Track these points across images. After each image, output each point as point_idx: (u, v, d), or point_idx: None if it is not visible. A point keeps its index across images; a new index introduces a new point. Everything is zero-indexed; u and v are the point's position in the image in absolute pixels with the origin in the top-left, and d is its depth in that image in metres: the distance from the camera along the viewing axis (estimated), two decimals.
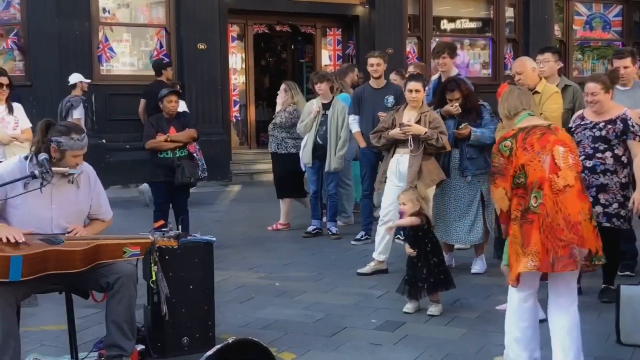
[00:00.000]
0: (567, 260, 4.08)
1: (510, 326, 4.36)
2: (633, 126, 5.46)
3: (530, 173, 4.21)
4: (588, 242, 4.17)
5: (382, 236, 6.66)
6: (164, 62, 11.10)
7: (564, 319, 4.23)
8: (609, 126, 5.52)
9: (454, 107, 6.62)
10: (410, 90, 6.61)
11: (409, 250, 5.59)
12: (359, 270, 6.78)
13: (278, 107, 9.13)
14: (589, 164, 5.51)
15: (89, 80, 10.79)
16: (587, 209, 4.26)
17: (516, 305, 4.34)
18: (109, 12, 12.68)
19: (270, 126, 9.09)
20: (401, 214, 5.68)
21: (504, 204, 4.32)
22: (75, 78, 10.73)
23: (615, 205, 5.54)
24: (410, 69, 8.77)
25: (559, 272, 4.13)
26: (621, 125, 5.48)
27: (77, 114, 10.35)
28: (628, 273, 6.35)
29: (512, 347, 4.34)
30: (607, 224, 5.47)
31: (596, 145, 5.54)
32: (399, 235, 6.44)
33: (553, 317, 4.29)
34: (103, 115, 12.14)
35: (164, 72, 10.53)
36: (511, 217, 4.30)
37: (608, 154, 5.52)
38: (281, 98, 9.03)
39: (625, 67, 6.43)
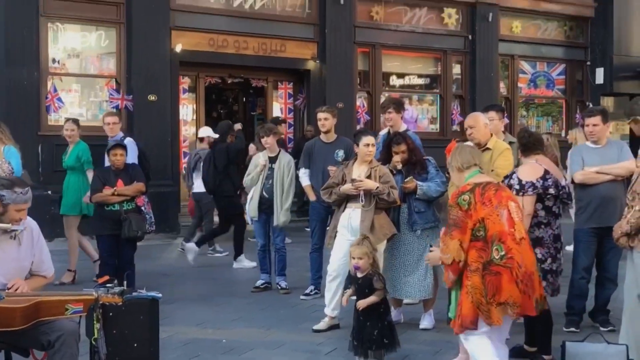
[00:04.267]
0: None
1: None
2: (513, 179, 5.69)
3: (490, 227, 4.47)
4: (536, 291, 4.58)
5: (334, 292, 6.62)
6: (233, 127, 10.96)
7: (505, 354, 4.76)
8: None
9: (395, 161, 6.69)
10: (367, 145, 6.67)
11: (360, 303, 5.54)
12: (314, 327, 6.70)
13: None
14: None
15: (217, 135, 10.87)
16: (534, 260, 4.69)
17: (478, 347, 4.58)
18: (58, 62, 12.58)
19: None
20: (356, 269, 5.66)
21: (460, 255, 4.50)
22: (204, 132, 11.52)
23: (549, 260, 5.68)
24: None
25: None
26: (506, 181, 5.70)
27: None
28: (573, 329, 6.42)
29: None
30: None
31: None
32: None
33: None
34: (49, 166, 11.93)
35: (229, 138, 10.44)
36: (471, 269, 4.48)
37: (539, 205, 5.67)
38: None
39: (595, 125, 6.54)
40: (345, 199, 6.70)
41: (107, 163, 8.09)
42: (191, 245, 9.87)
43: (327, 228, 7.21)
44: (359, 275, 5.65)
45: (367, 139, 6.70)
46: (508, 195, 4.68)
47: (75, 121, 9.05)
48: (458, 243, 4.48)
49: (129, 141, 8.30)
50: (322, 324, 6.73)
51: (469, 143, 6.01)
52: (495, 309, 4.42)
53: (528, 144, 5.86)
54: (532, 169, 5.72)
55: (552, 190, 5.63)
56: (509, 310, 4.43)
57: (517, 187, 5.59)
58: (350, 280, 5.80)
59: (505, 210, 4.51)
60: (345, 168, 6.81)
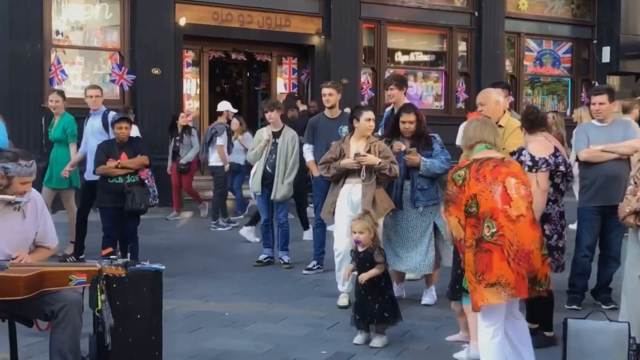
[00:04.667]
0: None
1: None
2: (525, 155, 5.57)
3: (482, 203, 4.36)
4: (537, 270, 4.42)
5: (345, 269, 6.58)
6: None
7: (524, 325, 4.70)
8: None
9: (397, 146, 6.65)
10: (368, 119, 6.65)
11: (362, 276, 5.55)
12: (339, 304, 6.63)
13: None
14: None
15: (236, 110, 11.19)
16: (538, 237, 4.47)
17: (486, 344, 4.46)
18: (62, 34, 12.54)
19: None
20: (357, 243, 5.67)
21: (459, 232, 4.46)
22: (223, 106, 11.63)
23: (556, 237, 5.64)
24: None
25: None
26: (515, 157, 5.56)
27: (220, 141, 11.10)
28: (575, 307, 6.44)
29: None
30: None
31: None
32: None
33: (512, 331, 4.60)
34: None
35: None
36: (466, 246, 4.42)
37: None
38: None
39: (602, 104, 6.51)
40: (344, 174, 6.68)
41: (88, 137, 8.09)
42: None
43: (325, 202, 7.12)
44: (360, 249, 5.66)
45: (368, 114, 6.69)
46: (509, 171, 4.50)
47: (60, 92, 8.92)
48: (456, 220, 4.47)
49: (112, 114, 8.21)
50: (344, 300, 6.68)
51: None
52: (486, 290, 4.30)
53: (535, 121, 5.78)
54: (542, 145, 5.63)
55: (562, 167, 5.60)
56: (502, 292, 4.28)
57: (530, 163, 5.46)
58: (352, 254, 5.81)
59: (500, 187, 4.39)
60: (343, 143, 6.78)
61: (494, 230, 4.31)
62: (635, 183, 4.96)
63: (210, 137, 11.28)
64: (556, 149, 5.66)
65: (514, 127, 6.33)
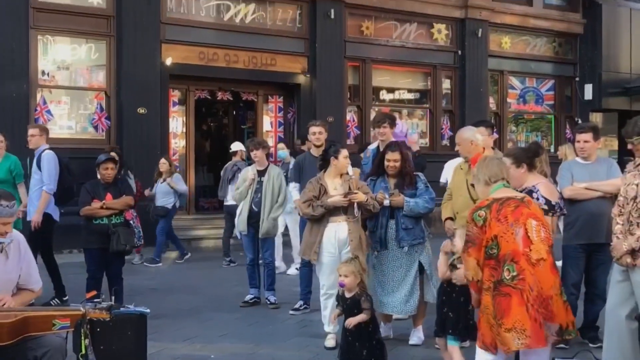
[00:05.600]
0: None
1: None
2: (538, 199, 5.38)
3: (503, 245, 4.26)
4: (558, 316, 4.26)
5: (331, 310, 6.50)
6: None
7: None
8: None
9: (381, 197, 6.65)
10: (346, 157, 6.75)
11: (350, 321, 5.52)
12: (326, 345, 6.59)
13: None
14: None
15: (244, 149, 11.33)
16: (558, 283, 4.35)
17: None
18: (48, 74, 12.57)
19: None
20: (342, 286, 5.65)
21: (477, 274, 4.35)
22: (236, 146, 12.08)
23: None
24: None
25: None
26: None
27: None
28: (563, 346, 6.40)
29: None
30: None
31: None
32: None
33: None
34: None
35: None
36: (484, 288, 4.33)
37: None
38: None
39: (586, 141, 6.55)
40: (327, 213, 6.67)
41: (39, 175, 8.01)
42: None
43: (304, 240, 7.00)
44: (347, 295, 5.63)
45: (345, 151, 6.82)
46: (530, 212, 4.38)
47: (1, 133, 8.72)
48: (475, 261, 4.35)
49: (46, 154, 8.15)
50: (331, 341, 6.62)
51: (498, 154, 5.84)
52: (504, 334, 4.17)
53: (534, 158, 5.70)
54: (551, 189, 5.56)
55: (565, 211, 5.60)
56: (516, 339, 4.13)
57: (546, 207, 5.34)
58: (339, 299, 5.78)
59: (522, 229, 4.28)
60: (320, 180, 6.80)
61: (515, 273, 4.20)
62: (630, 222, 4.90)
63: (233, 174, 11.19)
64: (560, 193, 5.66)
65: None
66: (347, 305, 5.61)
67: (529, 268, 4.20)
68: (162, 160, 11.84)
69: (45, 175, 8.02)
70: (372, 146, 8.19)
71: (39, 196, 8.03)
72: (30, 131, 8.46)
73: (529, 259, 4.23)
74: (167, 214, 11.60)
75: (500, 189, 4.54)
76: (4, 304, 4.21)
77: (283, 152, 11.51)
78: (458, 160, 7.30)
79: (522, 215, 4.33)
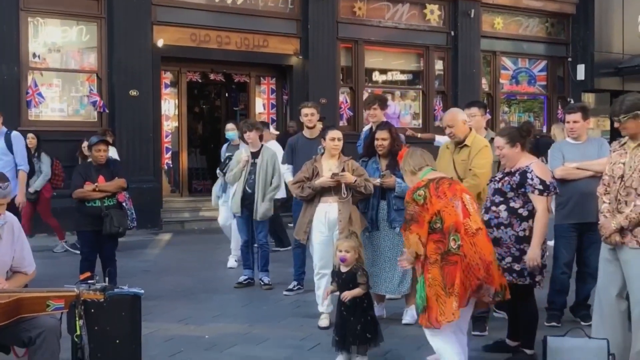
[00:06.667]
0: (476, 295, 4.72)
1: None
2: (532, 179, 5.35)
3: (446, 218, 4.67)
4: (495, 280, 4.74)
5: (324, 289, 6.57)
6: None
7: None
8: (506, 178, 5.48)
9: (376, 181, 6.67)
10: (333, 139, 6.74)
11: (346, 294, 5.54)
12: (320, 325, 6.63)
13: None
14: (485, 217, 5.44)
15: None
16: (493, 250, 4.87)
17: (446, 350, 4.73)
18: (39, 57, 12.50)
19: None
20: (342, 261, 5.65)
21: (420, 248, 4.69)
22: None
23: (509, 259, 5.39)
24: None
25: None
26: (518, 177, 5.40)
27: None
28: (554, 324, 6.47)
29: None
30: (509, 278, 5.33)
31: (493, 198, 5.52)
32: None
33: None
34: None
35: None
36: (430, 262, 4.67)
37: (502, 207, 5.43)
38: None
39: (575, 122, 6.56)
40: (319, 193, 6.70)
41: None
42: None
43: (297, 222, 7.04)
44: (343, 269, 5.65)
45: (333, 133, 6.81)
46: (462, 188, 4.91)
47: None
48: (417, 237, 4.66)
49: (16, 135, 8.14)
50: (325, 321, 6.66)
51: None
52: (450, 300, 4.57)
53: (527, 137, 5.65)
54: (544, 169, 5.57)
55: (558, 190, 5.64)
56: (454, 304, 4.59)
57: (541, 187, 5.33)
58: (334, 274, 5.80)
59: (460, 202, 4.73)
60: (315, 162, 6.82)
61: (459, 242, 4.64)
62: (618, 200, 4.92)
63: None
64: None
65: (480, 146, 6.34)
66: (343, 280, 5.62)
67: (466, 237, 4.65)
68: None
69: (19, 156, 8.03)
70: (366, 128, 8.20)
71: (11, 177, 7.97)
72: None
73: (467, 229, 4.67)
74: None
75: (430, 172, 5.01)
76: None
77: (232, 133, 9.93)
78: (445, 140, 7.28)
79: (457, 191, 4.81)
